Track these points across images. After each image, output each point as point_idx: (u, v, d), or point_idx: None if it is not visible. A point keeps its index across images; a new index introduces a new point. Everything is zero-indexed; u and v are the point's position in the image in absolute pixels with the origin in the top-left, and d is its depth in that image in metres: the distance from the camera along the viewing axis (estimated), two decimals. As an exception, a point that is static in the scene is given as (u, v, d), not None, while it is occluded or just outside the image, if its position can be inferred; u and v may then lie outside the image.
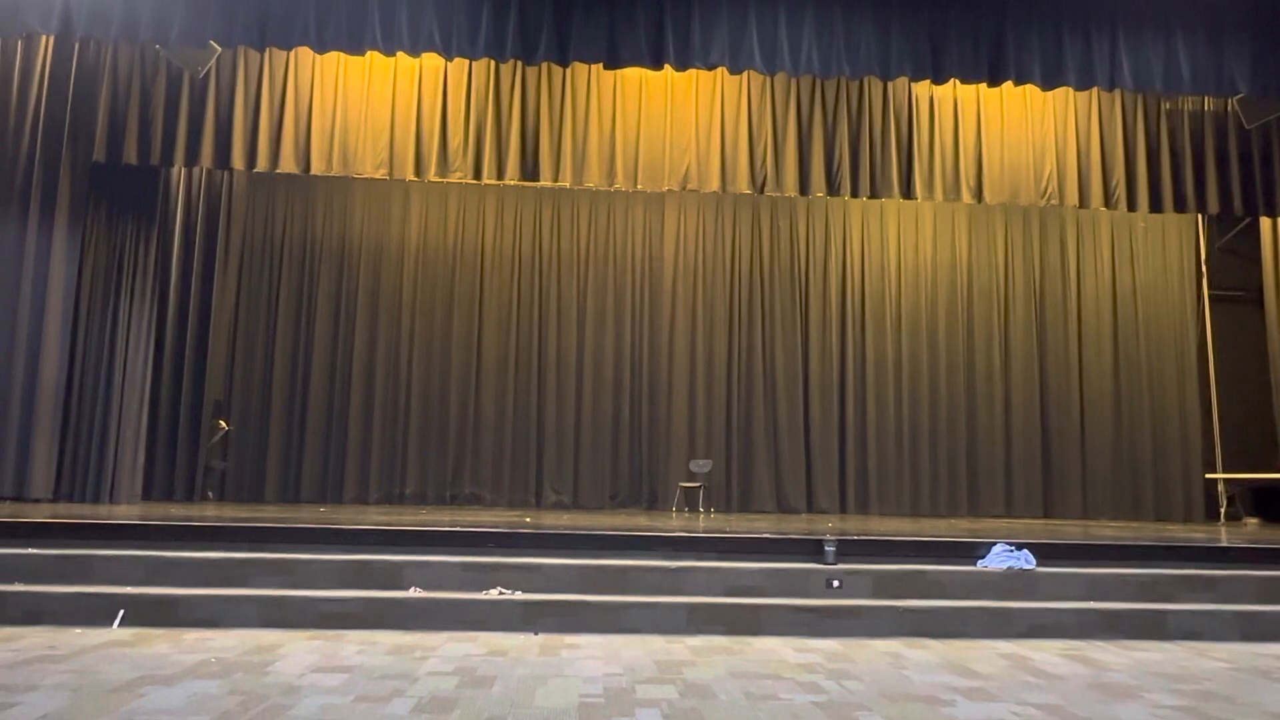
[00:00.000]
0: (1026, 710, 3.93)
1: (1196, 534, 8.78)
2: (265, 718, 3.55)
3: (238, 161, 9.85)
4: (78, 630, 5.22)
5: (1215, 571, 6.44)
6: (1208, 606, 6.07)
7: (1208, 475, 12.17)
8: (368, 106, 10.02)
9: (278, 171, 10.11)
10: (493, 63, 9.85)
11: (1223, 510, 11.82)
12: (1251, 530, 10.45)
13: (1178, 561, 6.66)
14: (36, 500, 8.98)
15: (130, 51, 9.72)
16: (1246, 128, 10.48)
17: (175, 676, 4.20)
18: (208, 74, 9.65)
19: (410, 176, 10.17)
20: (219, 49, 9.24)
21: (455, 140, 10.06)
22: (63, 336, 9.46)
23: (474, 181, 10.63)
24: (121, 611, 5.40)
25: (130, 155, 9.69)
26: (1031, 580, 6.25)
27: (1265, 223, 11.71)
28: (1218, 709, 4.04)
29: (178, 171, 11.16)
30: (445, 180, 10.63)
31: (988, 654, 5.20)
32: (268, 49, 9.54)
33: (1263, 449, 11.60)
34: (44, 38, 9.40)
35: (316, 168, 9.95)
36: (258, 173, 10.63)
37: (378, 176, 10.27)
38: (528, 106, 10.16)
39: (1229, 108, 10.58)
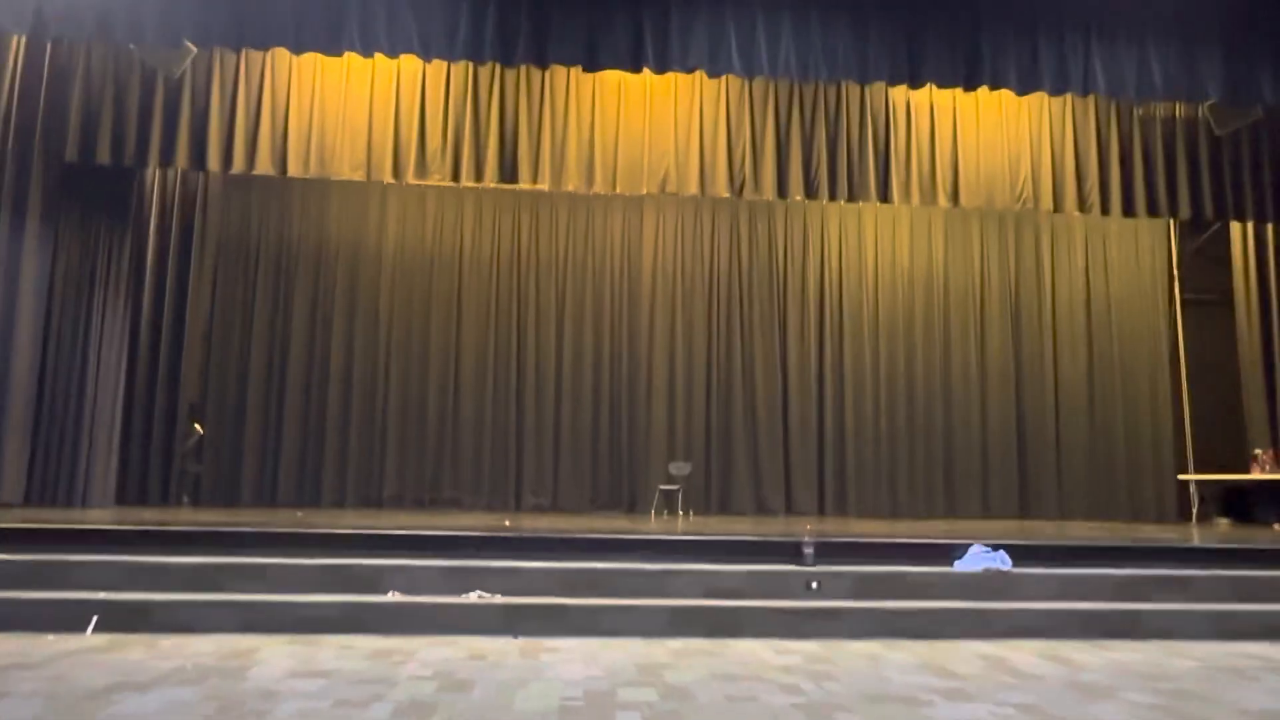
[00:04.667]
0: (1004, 710, 3.96)
1: (1169, 534, 8.89)
2: (243, 724, 3.52)
3: (213, 163, 9.77)
4: (50, 637, 5.15)
5: (1188, 571, 6.53)
6: (1181, 606, 6.14)
7: (1180, 476, 12.32)
8: (345, 108, 9.96)
9: (254, 173, 10.03)
10: (471, 65, 9.84)
11: (1194, 511, 11.96)
12: (1223, 530, 10.58)
13: (1152, 562, 6.75)
14: (7, 504, 8.85)
15: (104, 51, 9.61)
16: (1217, 134, 10.64)
17: (150, 683, 4.15)
18: (183, 74, 9.57)
19: (388, 179, 10.12)
20: (194, 49, 9.16)
21: (433, 142, 10.02)
22: (35, 338, 9.35)
23: (452, 184, 10.60)
24: (95, 617, 5.33)
25: (103, 155, 9.59)
26: (1008, 581, 6.30)
27: (1235, 227, 11.89)
28: (1192, 707, 4.09)
29: (152, 172, 11.05)
30: (423, 183, 10.61)
31: (966, 655, 5.24)
32: (244, 50, 9.48)
33: (1233, 450, 11.76)
34: (15, 36, 9.28)
35: (293, 169, 9.89)
36: (234, 174, 10.53)
37: (355, 179, 10.22)
38: (506, 109, 10.14)
39: (1200, 114, 10.74)
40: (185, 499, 11.13)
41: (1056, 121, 10.74)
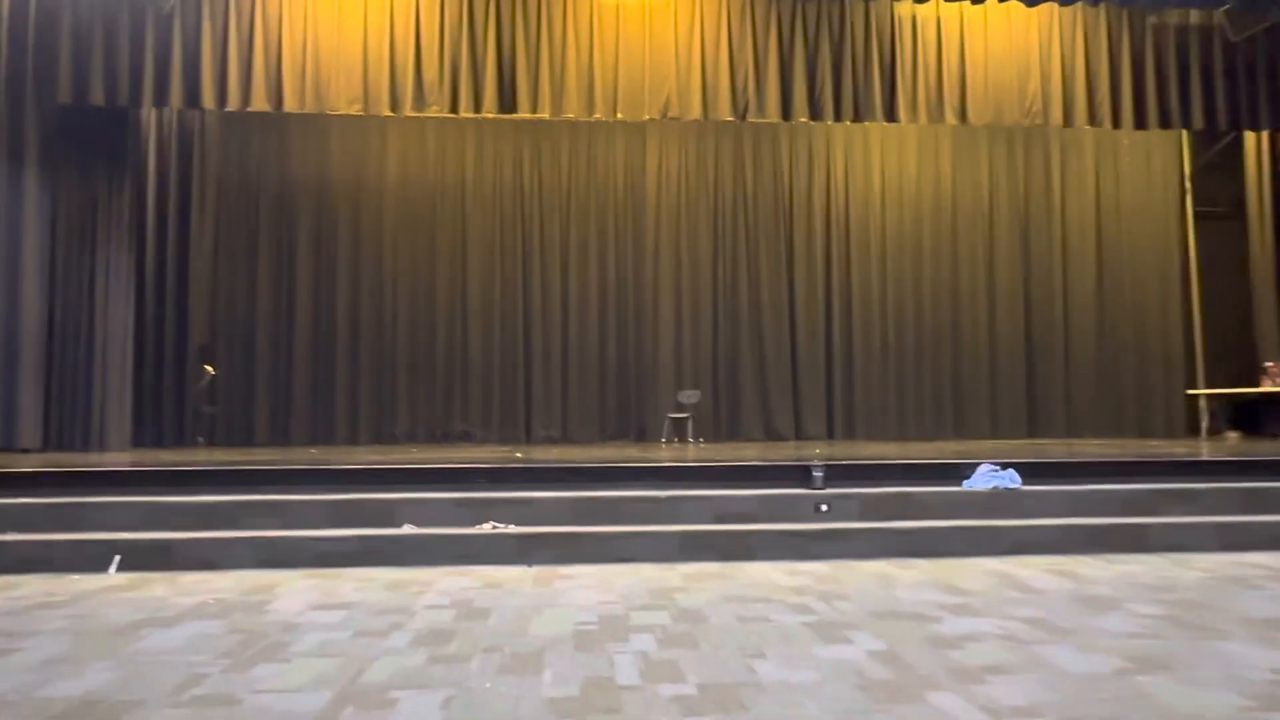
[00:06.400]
0: (1011, 624, 4.02)
1: (1178, 449, 8.92)
2: (267, 655, 3.60)
3: (208, 100, 9.63)
4: (75, 577, 5.26)
5: (1196, 485, 6.56)
6: (1189, 519, 6.19)
7: (1190, 391, 12.33)
8: (339, 41, 9.78)
9: (250, 110, 9.90)
10: (466, -9, 9.62)
11: (1204, 425, 11.99)
12: (1232, 444, 10.62)
13: (1160, 476, 6.79)
14: (26, 450, 8.97)
15: (91, -12, 9.42)
16: (1232, 40, 10.37)
17: (175, 618, 4.25)
18: (173, 10, 9.39)
19: (386, 112, 9.98)
20: (182, -17, 8.97)
21: (430, 73, 9.85)
22: (41, 285, 9.35)
23: (451, 115, 10.42)
24: (118, 557, 5.43)
25: (97, 96, 9.46)
26: (1017, 499, 6.35)
27: (1249, 137, 11.67)
28: (1196, 616, 4.15)
29: (147, 112, 10.92)
30: (422, 115, 10.45)
31: (974, 572, 5.31)
32: (233, -18, 9.28)
33: (1243, 364, 11.74)
34: (0, -24, 9.10)
35: (289, 105, 9.75)
36: (230, 112, 10.39)
37: (352, 113, 10.08)
38: (503, 36, 9.94)
39: (1215, 20, 10.45)
40: (200, 440, 11.25)
41: (1067, 33, 10.46)
